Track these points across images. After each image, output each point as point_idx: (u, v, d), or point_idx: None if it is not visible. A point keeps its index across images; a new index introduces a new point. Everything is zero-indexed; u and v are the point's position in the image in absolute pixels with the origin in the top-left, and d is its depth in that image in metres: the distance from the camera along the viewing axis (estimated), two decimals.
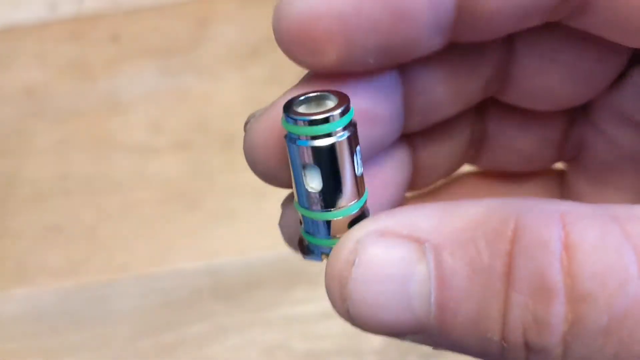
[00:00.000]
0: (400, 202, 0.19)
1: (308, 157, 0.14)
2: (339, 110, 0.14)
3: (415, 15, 0.14)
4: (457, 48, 0.16)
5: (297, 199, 0.15)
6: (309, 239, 0.15)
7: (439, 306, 0.13)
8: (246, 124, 0.16)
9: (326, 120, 0.14)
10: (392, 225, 0.14)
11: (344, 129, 0.14)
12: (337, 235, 0.15)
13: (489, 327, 0.13)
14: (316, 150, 0.14)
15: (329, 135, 0.14)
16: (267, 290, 0.37)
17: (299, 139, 0.14)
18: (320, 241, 0.15)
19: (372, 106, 0.16)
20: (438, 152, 0.20)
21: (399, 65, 0.16)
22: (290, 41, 0.14)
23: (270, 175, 0.16)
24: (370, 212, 0.16)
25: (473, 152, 0.20)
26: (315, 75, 0.16)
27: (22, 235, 0.40)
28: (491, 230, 0.13)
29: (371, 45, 0.14)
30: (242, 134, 0.17)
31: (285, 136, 0.15)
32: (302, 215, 0.15)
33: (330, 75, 0.15)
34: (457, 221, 0.13)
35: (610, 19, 0.15)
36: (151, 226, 0.40)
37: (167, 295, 0.38)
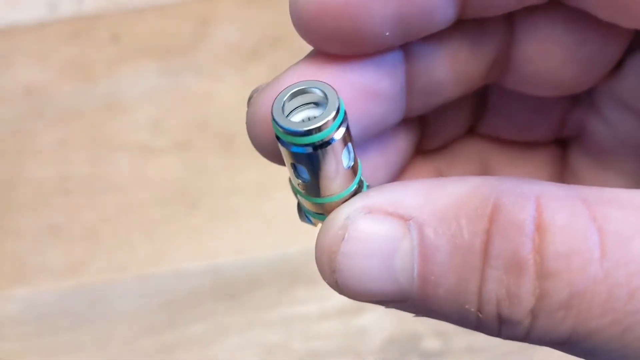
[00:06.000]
0: (399, 175, 0.19)
1: (301, 160, 0.14)
2: (330, 116, 0.13)
3: None
4: (460, 28, 0.16)
5: (292, 185, 0.15)
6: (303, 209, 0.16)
7: (422, 279, 0.14)
8: (250, 98, 0.16)
9: (319, 130, 0.13)
10: (380, 202, 0.14)
11: (337, 130, 0.14)
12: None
13: (467, 299, 0.14)
14: (309, 155, 0.14)
15: (322, 143, 0.14)
16: (267, 290, 0.37)
17: (292, 145, 0.14)
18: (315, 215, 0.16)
19: (375, 82, 0.16)
20: (439, 124, 0.20)
21: (407, 42, 0.16)
22: (311, 20, 0.14)
23: (270, 149, 0.16)
24: (368, 183, 0.16)
25: (473, 121, 0.21)
26: (320, 54, 0.16)
27: (22, 236, 0.40)
28: (472, 209, 0.14)
29: (389, 15, 0.14)
30: (243, 133, 0.16)
31: (276, 136, 0.14)
32: (298, 197, 0.15)
33: (336, 54, 0.15)
34: (441, 199, 0.14)
35: None
36: (151, 226, 0.40)
37: (167, 295, 0.38)
